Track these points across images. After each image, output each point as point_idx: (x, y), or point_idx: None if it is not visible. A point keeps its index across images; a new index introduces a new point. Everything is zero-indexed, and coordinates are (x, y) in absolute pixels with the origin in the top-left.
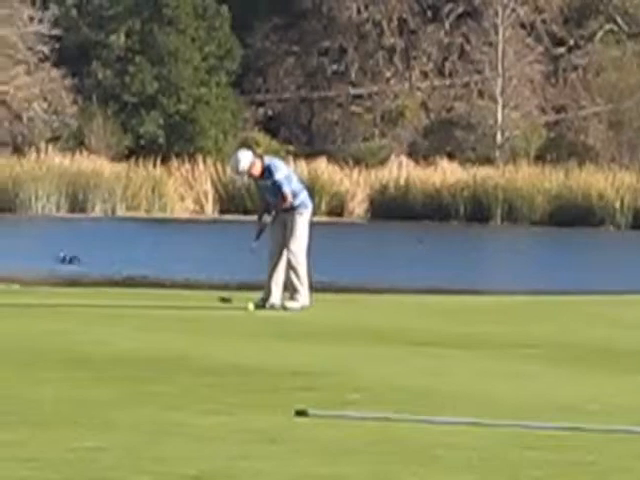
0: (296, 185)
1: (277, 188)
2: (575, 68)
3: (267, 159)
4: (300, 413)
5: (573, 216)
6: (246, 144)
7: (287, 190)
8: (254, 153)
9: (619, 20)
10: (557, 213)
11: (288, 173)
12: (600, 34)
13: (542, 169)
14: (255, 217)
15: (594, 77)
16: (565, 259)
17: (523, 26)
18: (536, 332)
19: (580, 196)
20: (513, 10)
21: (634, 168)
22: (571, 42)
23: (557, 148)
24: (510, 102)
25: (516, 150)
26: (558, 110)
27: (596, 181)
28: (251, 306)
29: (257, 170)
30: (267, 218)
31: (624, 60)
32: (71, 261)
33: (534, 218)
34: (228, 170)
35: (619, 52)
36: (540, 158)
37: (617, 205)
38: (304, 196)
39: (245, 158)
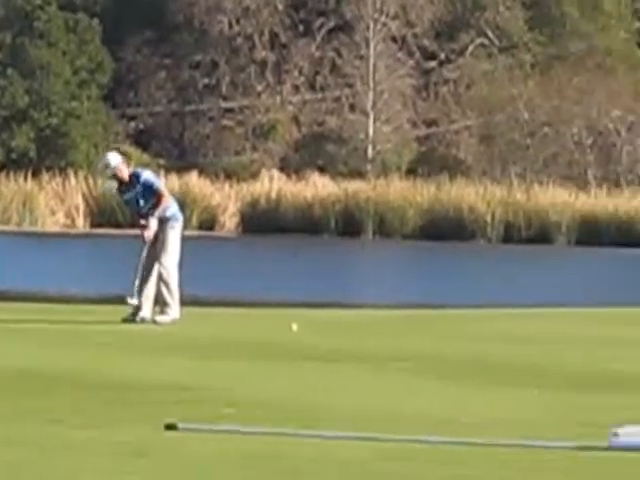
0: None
1: (148, 188)
2: (446, 82)
3: (132, 169)
4: (170, 427)
5: (444, 230)
6: None
7: (160, 185)
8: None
9: (490, 34)
10: (428, 227)
11: (156, 179)
12: (471, 48)
13: (413, 183)
14: (134, 231)
15: (465, 91)
16: (436, 273)
17: (394, 40)
18: (410, 346)
19: (451, 210)
20: (384, 24)
21: (505, 182)
22: (442, 56)
23: (428, 162)
24: (381, 116)
25: (387, 164)
26: (429, 124)
27: (467, 195)
28: (294, 326)
29: (125, 173)
30: (153, 221)
31: (495, 74)
32: None
33: (405, 232)
34: (98, 170)
35: (490, 66)
36: (411, 172)
37: (488, 219)
38: (175, 209)
39: (115, 156)
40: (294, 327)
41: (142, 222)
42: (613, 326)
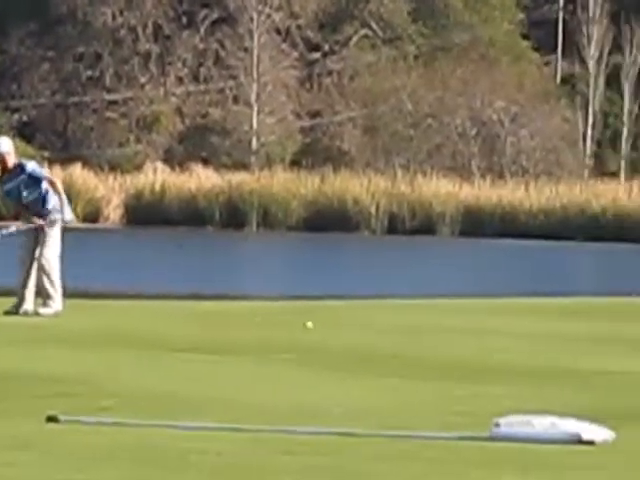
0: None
1: (35, 178)
2: (330, 73)
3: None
4: (51, 419)
5: (329, 221)
6: None
7: (49, 174)
8: None
9: (374, 25)
10: (313, 218)
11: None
12: (355, 39)
13: (298, 174)
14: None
15: (349, 82)
16: (321, 264)
17: (278, 32)
18: (290, 337)
19: (336, 201)
20: (268, 16)
21: (389, 173)
22: (326, 47)
23: (312, 153)
24: (265, 107)
25: (271, 156)
26: (313, 115)
27: (351, 186)
28: (309, 324)
29: (11, 161)
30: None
31: (379, 65)
32: None
33: (290, 223)
34: None
35: (374, 57)
36: (296, 163)
37: (372, 210)
38: (56, 201)
39: (8, 142)
40: (309, 324)
41: (38, 221)
42: (496, 317)
